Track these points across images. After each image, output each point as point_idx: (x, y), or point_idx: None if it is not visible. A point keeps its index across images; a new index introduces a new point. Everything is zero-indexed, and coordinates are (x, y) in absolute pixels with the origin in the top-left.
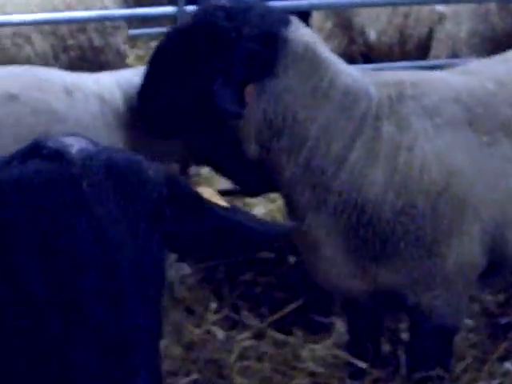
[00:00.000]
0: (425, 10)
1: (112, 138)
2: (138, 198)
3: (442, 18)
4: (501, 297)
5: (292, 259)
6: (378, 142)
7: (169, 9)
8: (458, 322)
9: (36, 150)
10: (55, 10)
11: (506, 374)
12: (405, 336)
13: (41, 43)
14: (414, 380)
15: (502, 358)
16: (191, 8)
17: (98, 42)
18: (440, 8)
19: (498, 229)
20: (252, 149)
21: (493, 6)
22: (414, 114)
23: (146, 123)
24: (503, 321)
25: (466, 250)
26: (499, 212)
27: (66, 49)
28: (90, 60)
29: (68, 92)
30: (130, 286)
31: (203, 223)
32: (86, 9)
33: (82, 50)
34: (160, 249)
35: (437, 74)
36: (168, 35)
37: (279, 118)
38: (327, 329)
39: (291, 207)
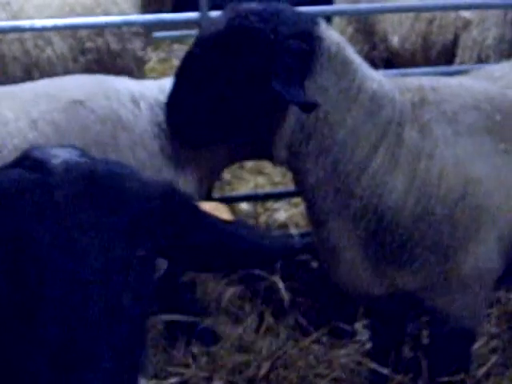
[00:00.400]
0: (449, 16)
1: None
2: (116, 211)
3: (467, 24)
4: None
5: (315, 264)
6: (399, 148)
7: (192, 14)
8: (476, 326)
9: (22, 160)
10: (72, 11)
11: None
12: (426, 341)
13: (60, 45)
14: None
15: None
16: (214, 13)
17: (115, 45)
18: (465, 14)
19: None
20: (282, 153)
21: None
22: (435, 120)
23: (179, 132)
24: None
25: (483, 255)
26: (510, 219)
27: (84, 51)
28: (107, 64)
29: (134, 101)
30: (94, 297)
31: (201, 237)
32: (104, 12)
33: (100, 54)
34: (144, 263)
35: (457, 79)
36: (199, 42)
37: (312, 120)
38: (350, 335)
39: (313, 212)
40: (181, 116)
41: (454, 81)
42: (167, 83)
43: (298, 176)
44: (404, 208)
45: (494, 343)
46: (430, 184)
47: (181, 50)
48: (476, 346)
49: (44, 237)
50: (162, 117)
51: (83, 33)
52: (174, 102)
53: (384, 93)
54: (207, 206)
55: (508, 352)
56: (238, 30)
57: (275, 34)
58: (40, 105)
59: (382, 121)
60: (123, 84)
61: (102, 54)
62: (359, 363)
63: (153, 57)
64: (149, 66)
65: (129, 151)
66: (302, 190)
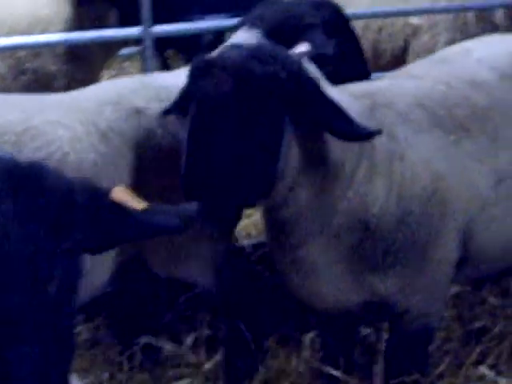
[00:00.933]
0: (399, 23)
1: None
2: (36, 205)
3: (416, 30)
4: (472, 300)
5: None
6: (374, 155)
7: (133, 30)
8: (438, 322)
9: None
10: (12, 31)
11: (481, 377)
12: (379, 345)
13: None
14: None
15: (478, 363)
16: (157, 28)
17: (51, 67)
18: (414, 20)
19: (467, 224)
20: (284, 187)
21: (470, 16)
22: (394, 122)
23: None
24: (476, 325)
25: (448, 248)
26: (467, 208)
27: (23, 72)
28: (45, 84)
29: None
30: (19, 286)
31: (120, 229)
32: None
33: (36, 75)
34: (68, 255)
35: (386, 81)
36: (202, 103)
37: (313, 146)
38: (300, 343)
39: (291, 237)
40: (205, 185)
41: (385, 83)
42: None
43: (281, 206)
44: (386, 213)
45: (447, 345)
46: (405, 185)
47: (132, 67)
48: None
49: None
50: None
51: (22, 53)
52: (195, 172)
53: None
54: (119, 195)
55: (461, 352)
56: (247, 78)
57: (279, 75)
58: (105, 114)
59: None
60: (167, 80)
61: (39, 75)
62: (312, 369)
63: (104, 75)
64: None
65: None
66: (278, 220)
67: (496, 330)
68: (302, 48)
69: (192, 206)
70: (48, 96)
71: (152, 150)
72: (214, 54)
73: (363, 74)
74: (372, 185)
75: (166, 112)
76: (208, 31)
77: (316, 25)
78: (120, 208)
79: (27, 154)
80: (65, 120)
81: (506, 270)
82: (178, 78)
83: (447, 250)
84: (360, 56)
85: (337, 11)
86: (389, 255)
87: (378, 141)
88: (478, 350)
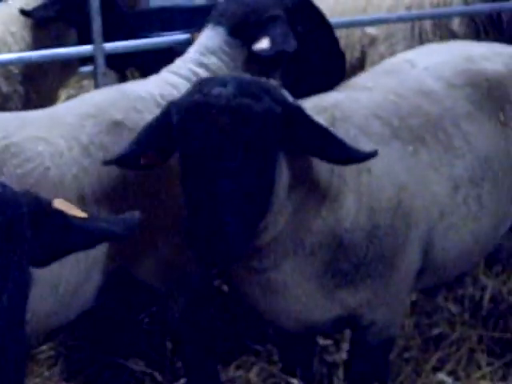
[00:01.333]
0: (355, 34)
1: None
2: None
3: (373, 40)
4: (429, 308)
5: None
6: (344, 170)
7: (86, 48)
8: (398, 330)
9: None
10: None
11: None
12: (337, 357)
13: None
14: None
15: (436, 369)
16: (109, 46)
17: (5, 88)
18: (371, 30)
19: (427, 233)
20: (270, 214)
21: (428, 25)
22: (356, 135)
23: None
24: (434, 332)
25: (412, 258)
26: (428, 217)
27: None
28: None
29: (159, 105)
30: None
31: (67, 237)
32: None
33: None
34: (20, 267)
35: (341, 94)
36: (202, 149)
37: (300, 171)
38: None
39: (265, 260)
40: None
41: (340, 95)
42: (169, 77)
43: (260, 231)
44: (358, 227)
45: (406, 354)
46: (373, 197)
47: (91, 86)
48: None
49: None
50: None
51: None
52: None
53: None
54: (60, 205)
55: (420, 359)
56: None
57: (279, 108)
58: (86, 128)
59: None
60: (144, 89)
61: None
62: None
63: (62, 95)
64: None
65: None
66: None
67: (454, 336)
68: (263, 45)
69: (134, 215)
70: (29, 112)
71: None
72: (192, 90)
73: (338, 60)
74: (343, 200)
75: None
76: (160, 47)
77: (279, 17)
78: (63, 216)
79: (8, 171)
80: (46, 135)
81: (460, 275)
82: (154, 85)
83: (411, 261)
84: (332, 41)
85: None
86: (360, 269)
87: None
88: (436, 356)
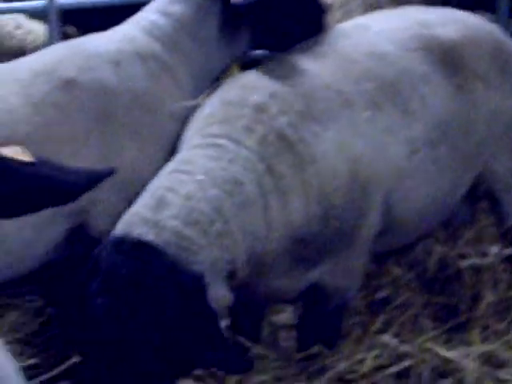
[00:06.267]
0: None
1: (175, 92)
2: None
3: (329, 7)
4: (376, 271)
5: None
6: (282, 183)
7: (38, 2)
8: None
9: None
10: None
11: (385, 345)
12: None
13: None
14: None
15: (381, 331)
16: (61, 1)
17: None
18: None
19: (385, 197)
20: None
21: None
22: (292, 123)
23: None
24: (380, 295)
25: (371, 223)
26: (386, 182)
27: None
28: None
29: (115, 62)
30: None
31: (10, 184)
32: None
33: None
34: None
35: (282, 71)
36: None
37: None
38: None
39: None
40: None
41: (286, 73)
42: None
43: None
44: (311, 219)
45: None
46: (324, 183)
47: None
48: None
49: None
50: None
51: None
52: None
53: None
54: (6, 151)
55: (366, 322)
56: None
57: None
58: (38, 85)
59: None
60: (99, 44)
61: None
62: None
63: None
64: None
65: (127, 117)
66: None
67: (399, 300)
68: None
69: (106, 171)
70: None
71: (88, 122)
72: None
73: (314, 9)
74: (290, 209)
75: None
76: (115, 5)
77: None
78: (7, 162)
79: None
80: None
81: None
82: (108, 41)
83: (370, 226)
84: None
85: None
86: (324, 250)
87: (281, 166)
88: (381, 319)
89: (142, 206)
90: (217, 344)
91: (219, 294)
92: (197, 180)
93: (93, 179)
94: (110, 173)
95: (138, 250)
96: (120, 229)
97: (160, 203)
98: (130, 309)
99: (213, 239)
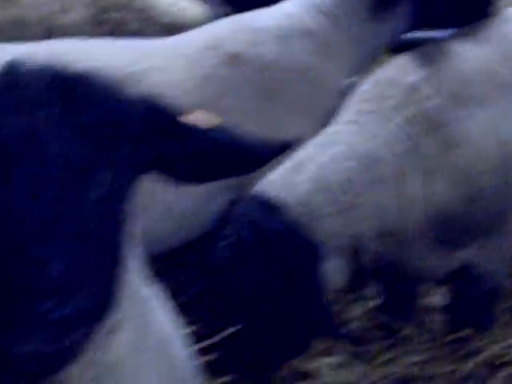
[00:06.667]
0: None
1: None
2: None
3: None
4: None
5: None
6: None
7: None
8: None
9: None
10: None
11: None
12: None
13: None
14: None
15: None
16: None
17: None
18: None
19: None
20: None
21: None
22: None
23: None
24: None
25: None
26: None
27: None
28: None
29: (278, 38)
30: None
31: (198, 147)
32: None
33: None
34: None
35: None
36: None
37: None
38: None
39: None
40: None
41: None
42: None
43: None
44: (456, 200)
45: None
46: (473, 165)
47: None
48: None
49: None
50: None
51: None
52: None
53: None
54: (192, 117)
55: None
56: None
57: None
58: (205, 60)
59: None
60: (261, 20)
61: None
62: None
63: None
64: None
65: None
66: None
67: None
68: None
69: (284, 144)
70: (149, 41)
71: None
72: None
73: None
74: (433, 189)
75: None
76: None
77: None
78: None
79: None
80: (166, 65)
81: None
82: (271, 17)
83: None
84: None
85: None
86: (470, 231)
87: (427, 146)
88: None
89: (282, 168)
90: (312, 316)
91: (334, 269)
92: (336, 151)
93: (273, 151)
94: (288, 146)
95: (264, 208)
96: (257, 186)
97: (297, 167)
98: (250, 256)
99: (342, 209)
